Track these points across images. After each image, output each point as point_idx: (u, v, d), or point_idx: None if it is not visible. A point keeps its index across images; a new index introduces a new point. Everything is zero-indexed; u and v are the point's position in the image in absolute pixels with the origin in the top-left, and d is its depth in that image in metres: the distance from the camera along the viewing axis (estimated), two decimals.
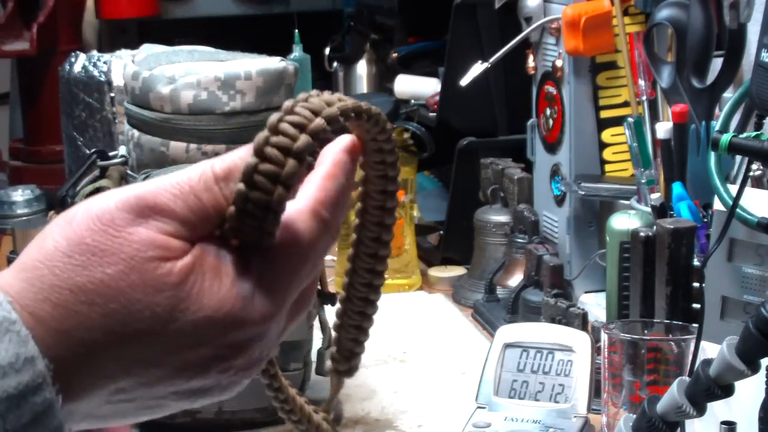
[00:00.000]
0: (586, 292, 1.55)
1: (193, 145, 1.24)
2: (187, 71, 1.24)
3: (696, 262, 1.23)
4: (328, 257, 1.33)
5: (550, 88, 1.59)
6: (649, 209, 1.36)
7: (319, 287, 1.32)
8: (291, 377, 1.28)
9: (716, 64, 1.36)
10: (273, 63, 1.26)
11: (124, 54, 1.72)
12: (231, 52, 1.30)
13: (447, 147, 1.81)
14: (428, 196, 1.99)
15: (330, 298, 1.36)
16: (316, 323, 1.31)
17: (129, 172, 1.27)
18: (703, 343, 1.11)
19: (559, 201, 1.60)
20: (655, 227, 1.24)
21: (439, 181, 2.02)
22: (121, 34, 2.45)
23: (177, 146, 1.24)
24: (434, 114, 1.88)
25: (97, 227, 0.56)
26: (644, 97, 1.46)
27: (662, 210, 1.33)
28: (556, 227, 1.60)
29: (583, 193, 1.52)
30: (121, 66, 1.62)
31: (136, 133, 1.26)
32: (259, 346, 0.59)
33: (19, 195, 2.06)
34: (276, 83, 1.26)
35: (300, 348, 1.27)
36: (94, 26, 2.48)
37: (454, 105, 1.82)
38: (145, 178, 1.23)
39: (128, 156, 1.28)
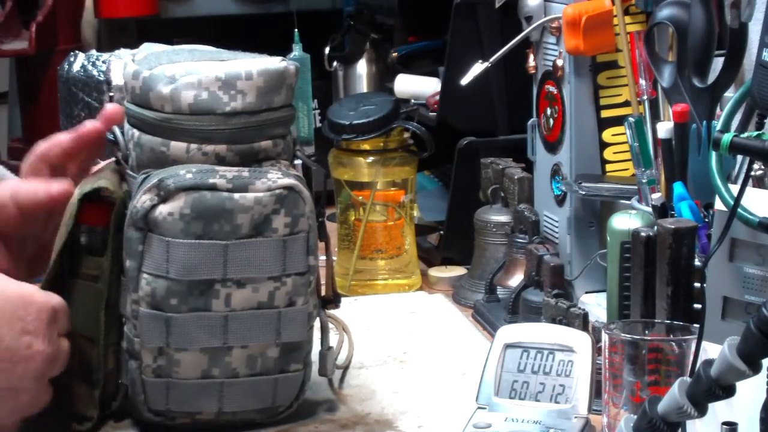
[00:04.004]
0: (586, 293, 1.54)
1: (193, 145, 1.23)
2: (187, 71, 1.23)
3: (697, 262, 1.22)
4: (322, 258, 1.33)
5: (551, 88, 1.59)
6: (650, 209, 1.35)
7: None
8: (291, 378, 1.27)
9: (717, 63, 1.35)
10: (274, 63, 1.26)
11: (123, 53, 1.72)
12: (232, 52, 1.29)
13: (447, 147, 1.81)
14: (428, 196, 1.98)
15: (335, 301, 1.36)
16: (316, 324, 1.30)
17: (129, 171, 1.27)
18: (705, 344, 1.11)
19: (560, 201, 1.59)
20: (656, 227, 1.24)
21: (439, 181, 2.02)
22: (120, 34, 2.45)
23: (177, 146, 1.23)
24: (434, 114, 1.88)
25: None
26: (645, 97, 1.46)
27: (663, 210, 1.32)
28: (557, 227, 1.60)
29: (583, 192, 1.52)
30: (120, 65, 1.62)
31: (136, 132, 1.26)
32: None
33: None
34: (277, 83, 1.25)
35: (300, 349, 1.27)
36: (93, 25, 2.48)
37: (454, 105, 1.82)
38: (145, 179, 1.22)
39: (129, 155, 1.27)
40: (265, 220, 1.22)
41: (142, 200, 1.21)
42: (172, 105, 1.23)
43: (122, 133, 1.28)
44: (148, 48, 1.32)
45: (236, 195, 1.21)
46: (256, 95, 1.24)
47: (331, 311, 1.37)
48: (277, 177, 1.23)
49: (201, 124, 1.23)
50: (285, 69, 1.26)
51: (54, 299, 1.20)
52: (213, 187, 1.21)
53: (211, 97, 1.23)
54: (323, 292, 1.33)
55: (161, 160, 1.23)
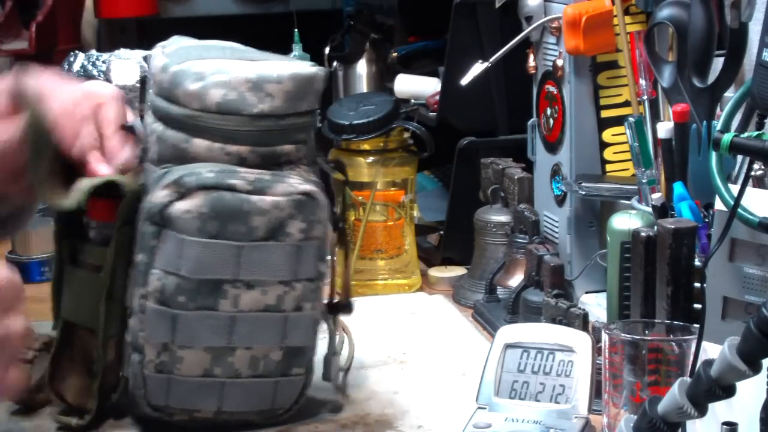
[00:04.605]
0: (586, 293, 1.54)
1: (217, 144, 1.22)
2: (217, 69, 1.22)
3: (697, 263, 1.22)
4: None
5: (551, 88, 1.59)
6: (650, 209, 1.35)
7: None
8: (292, 381, 1.27)
9: (717, 63, 1.35)
10: (305, 68, 1.25)
11: (123, 53, 1.72)
12: (263, 52, 1.28)
13: (447, 147, 1.81)
14: (428, 196, 1.98)
15: (348, 307, 1.35)
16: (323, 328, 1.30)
17: (148, 164, 1.25)
18: (705, 344, 1.11)
19: (560, 201, 1.59)
20: (656, 227, 1.24)
21: (439, 181, 2.02)
22: (120, 34, 2.45)
23: (200, 143, 1.22)
24: (434, 114, 1.88)
25: None
26: (645, 97, 1.46)
27: (663, 210, 1.32)
28: (557, 227, 1.60)
29: (583, 193, 1.52)
30: (122, 66, 1.62)
31: (160, 126, 1.24)
32: None
33: None
34: (305, 89, 1.24)
35: (303, 354, 1.27)
36: (92, 25, 2.48)
37: (454, 105, 1.82)
38: (164, 174, 1.21)
39: (147, 148, 1.26)
40: (281, 224, 1.22)
41: (159, 195, 1.20)
42: (200, 102, 1.22)
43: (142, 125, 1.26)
44: (177, 41, 1.29)
45: (254, 197, 1.20)
46: (284, 99, 1.23)
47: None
48: (297, 182, 1.22)
49: (227, 124, 1.22)
50: (315, 75, 1.25)
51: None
52: (233, 188, 1.20)
53: (240, 98, 1.22)
54: (337, 299, 1.33)
55: (182, 156, 1.22)
